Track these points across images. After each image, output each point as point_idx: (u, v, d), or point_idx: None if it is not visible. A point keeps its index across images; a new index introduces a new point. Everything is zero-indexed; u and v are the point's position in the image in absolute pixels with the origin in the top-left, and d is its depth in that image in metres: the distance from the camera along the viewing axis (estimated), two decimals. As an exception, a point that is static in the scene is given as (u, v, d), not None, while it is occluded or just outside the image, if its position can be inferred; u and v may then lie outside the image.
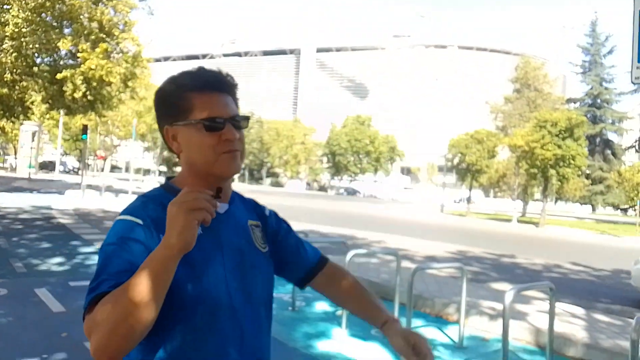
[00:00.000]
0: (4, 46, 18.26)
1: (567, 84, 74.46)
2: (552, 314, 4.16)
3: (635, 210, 29.57)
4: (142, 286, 0.87)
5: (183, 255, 0.91)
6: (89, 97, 19.73)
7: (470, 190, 34.43)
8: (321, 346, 4.58)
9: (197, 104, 1.10)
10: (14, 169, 47.41)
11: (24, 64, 19.40)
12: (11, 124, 33.93)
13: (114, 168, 72.16)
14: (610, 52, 44.10)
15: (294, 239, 1.34)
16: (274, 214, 1.33)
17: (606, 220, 35.96)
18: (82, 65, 18.70)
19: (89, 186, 23.99)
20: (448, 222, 26.93)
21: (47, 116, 33.31)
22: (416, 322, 5.27)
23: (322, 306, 6.02)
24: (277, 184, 77.58)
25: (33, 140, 40.82)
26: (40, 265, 7.28)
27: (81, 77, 18.80)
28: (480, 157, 31.26)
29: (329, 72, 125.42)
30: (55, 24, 19.19)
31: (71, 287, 6.04)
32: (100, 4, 19.36)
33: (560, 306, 5.82)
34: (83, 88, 19.03)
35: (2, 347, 3.96)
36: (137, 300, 0.87)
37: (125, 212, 1.07)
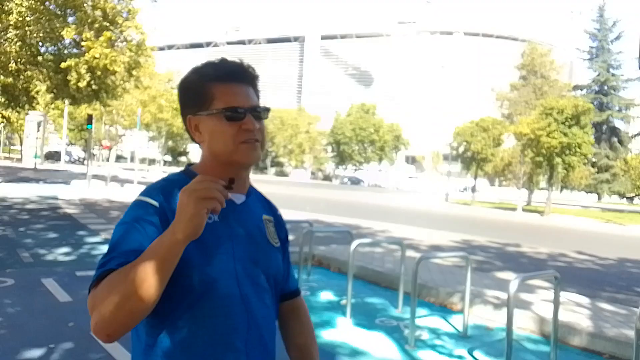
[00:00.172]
0: (8, 35, 18.25)
1: (574, 71, 73.70)
2: (556, 303, 4.15)
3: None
4: (146, 268, 0.89)
5: (196, 241, 0.93)
6: (93, 87, 19.74)
7: (475, 178, 34.27)
8: (326, 335, 4.59)
9: (218, 94, 1.11)
10: (19, 160, 47.65)
11: (29, 53, 19.41)
12: (16, 113, 34.05)
13: (119, 158, 72.29)
14: (617, 37, 43.43)
15: (288, 257, 1.33)
16: (284, 224, 1.33)
17: (612, 208, 35.72)
18: (86, 54, 18.68)
19: (95, 176, 24.11)
20: (453, 211, 26.91)
21: (52, 106, 33.42)
22: (420, 312, 5.28)
23: (326, 295, 6.05)
24: (282, 174, 77.34)
25: (38, 130, 40.90)
26: (47, 255, 7.33)
27: (85, 66, 18.80)
28: (486, 145, 31.06)
29: (333, 59, 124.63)
30: (59, 12, 19.15)
31: (78, 277, 6.08)
32: (103, -9, 19.29)
33: (565, 295, 5.82)
34: (87, 77, 19.03)
35: (10, 337, 4.00)
36: (140, 282, 0.89)
37: (143, 193, 1.10)
